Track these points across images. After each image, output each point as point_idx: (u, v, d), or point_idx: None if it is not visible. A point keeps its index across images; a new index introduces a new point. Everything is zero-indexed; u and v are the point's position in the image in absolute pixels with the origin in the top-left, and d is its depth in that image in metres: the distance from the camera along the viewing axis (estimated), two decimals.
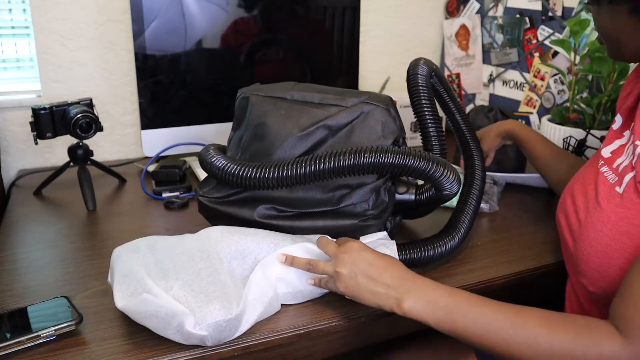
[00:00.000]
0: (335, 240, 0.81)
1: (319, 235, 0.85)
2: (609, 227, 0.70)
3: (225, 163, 0.84)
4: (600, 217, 0.72)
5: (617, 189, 0.72)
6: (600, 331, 0.62)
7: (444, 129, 0.92)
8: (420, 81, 0.91)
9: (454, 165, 0.82)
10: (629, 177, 0.70)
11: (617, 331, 0.62)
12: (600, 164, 0.78)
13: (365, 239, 0.84)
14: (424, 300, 0.68)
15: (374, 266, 0.72)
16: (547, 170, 1.08)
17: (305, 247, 0.80)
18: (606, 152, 0.79)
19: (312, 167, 0.79)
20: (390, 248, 0.83)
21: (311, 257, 0.79)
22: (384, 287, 0.70)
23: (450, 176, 0.80)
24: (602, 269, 0.71)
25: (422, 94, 0.90)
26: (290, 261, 0.78)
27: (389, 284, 0.70)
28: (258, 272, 0.76)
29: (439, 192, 0.83)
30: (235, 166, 0.83)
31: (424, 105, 0.90)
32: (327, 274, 0.75)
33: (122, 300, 0.71)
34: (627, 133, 0.78)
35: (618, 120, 0.82)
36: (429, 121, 0.91)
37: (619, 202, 0.70)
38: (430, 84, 0.92)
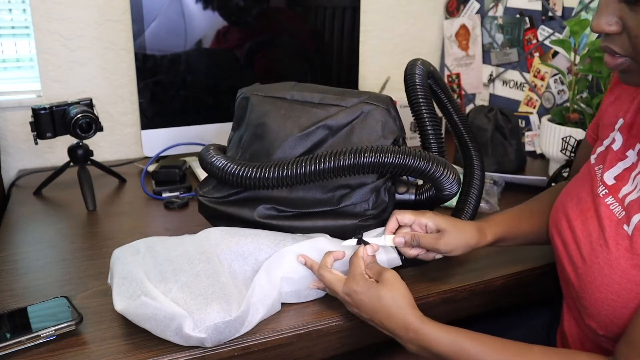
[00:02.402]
0: (338, 256, 0.79)
1: (321, 234, 0.85)
2: (618, 273, 0.64)
3: (225, 163, 0.84)
4: (607, 260, 0.66)
5: (625, 227, 0.66)
6: None
7: (442, 128, 0.92)
8: (417, 80, 0.90)
9: (454, 166, 0.82)
10: (637, 218, 0.64)
11: None
12: (603, 192, 0.71)
13: (366, 237, 0.84)
14: (427, 351, 0.70)
15: (376, 316, 0.72)
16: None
17: (313, 245, 0.81)
18: (609, 178, 0.72)
19: (312, 167, 0.79)
20: (389, 256, 0.83)
21: (319, 254, 0.80)
22: (389, 333, 0.73)
23: (451, 176, 0.80)
24: (615, 315, 0.65)
25: (419, 93, 0.90)
26: (310, 265, 0.79)
27: (393, 332, 0.72)
28: (262, 274, 0.76)
29: (439, 191, 0.83)
30: (235, 166, 0.83)
31: (422, 104, 0.90)
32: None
33: (121, 302, 0.71)
34: (630, 153, 0.71)
35: (618, 139, 0.74)
36: (426, 120, 0.91)
37: (629, 246, 0.64)
38: (427, 83, 0.92)
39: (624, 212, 0.67)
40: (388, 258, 0.82)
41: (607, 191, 0.70)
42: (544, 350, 0.66)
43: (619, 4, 0.63)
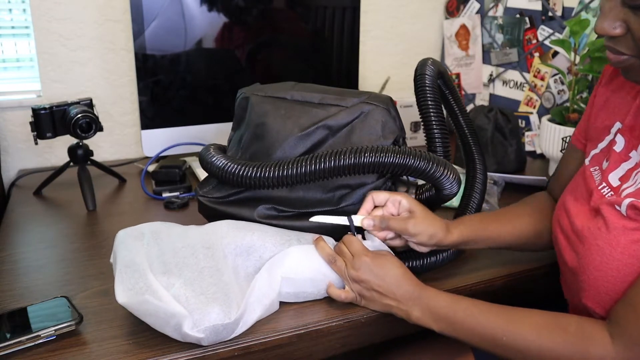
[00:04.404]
0: (342, 244, 0.81)
1: (325, 237, 0.85)
2: (619, 250, 0.67)
3: (226, 162, 0.84)
4: (607, 240, 0.68)
5: (617, 207, 0.69)
6: (592, 337, 0.65)
7: (448, 131, 0.92)
8: (427, 82, 0.90)
9: (454, 166, 0.83)
10: (628, 200, 0.67)
11: (609, 336, 0.64)
12: (608, 194, 0.72)
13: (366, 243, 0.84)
14: (428, 312, 0.75)
15: (385, 282, 0.77)
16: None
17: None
18: (614, 179, 0.73)
19: (313, 167, 0.79)
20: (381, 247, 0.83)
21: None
22: (394, 302, 0.77)
23: (451, 176, 0.80)
24: (614, 291, 0.67)
25: (428, 95, 0.89)
26: (318, 242, 0.81)
27: (398, 299, 0.76)
28: (263, 273, 0.76)
29: (439, 192, 0.83)
30: (235, 165, 0.83)
31: (430, 106, 0.89)
32: (342, 278, 0.79)
33: (124, 294, 0.71)
34: (634, 154, 0.73)
35: (619, 141, 0.76)
36: (433, 122, 0.90)
37: (626, 225, 0.67)
38: (437, 85, 0.92)
39: (614, 197, 0.70)
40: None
41: (612, 193, 0.72)
42: (536, 315, 0.70)
43: (623, 8, 0.64)
